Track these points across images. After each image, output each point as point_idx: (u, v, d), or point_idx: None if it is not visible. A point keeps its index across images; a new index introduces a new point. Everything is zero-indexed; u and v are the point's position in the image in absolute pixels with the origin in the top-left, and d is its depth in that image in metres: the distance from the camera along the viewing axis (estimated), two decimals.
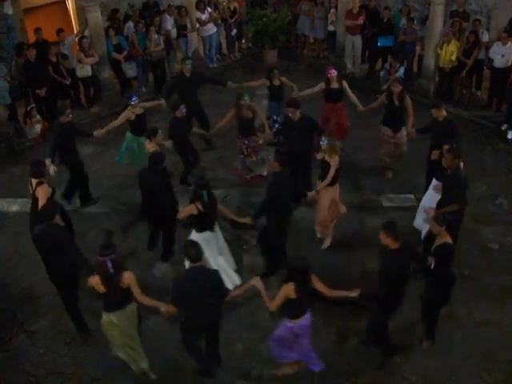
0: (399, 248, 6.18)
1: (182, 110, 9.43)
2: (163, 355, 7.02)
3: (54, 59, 11.91)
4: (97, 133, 9.65)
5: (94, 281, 6.04)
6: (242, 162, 10.25)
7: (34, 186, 7.66)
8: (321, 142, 8.28)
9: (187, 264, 6.66)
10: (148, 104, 10.62)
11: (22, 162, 10.87)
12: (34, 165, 7.81)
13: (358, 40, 13.98)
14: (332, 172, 8.16)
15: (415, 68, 13.77)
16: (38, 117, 11.49)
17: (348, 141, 11.07)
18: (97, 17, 12.45)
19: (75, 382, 6.84)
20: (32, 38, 12.72)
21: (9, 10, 12.92)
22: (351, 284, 6.92)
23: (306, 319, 6.16)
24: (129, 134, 9.93)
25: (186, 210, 7.54)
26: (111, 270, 5.92)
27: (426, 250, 7.21)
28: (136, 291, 6.12)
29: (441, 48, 12.18)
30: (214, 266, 7.38)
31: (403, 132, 9.92)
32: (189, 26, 14.03)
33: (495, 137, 11.63)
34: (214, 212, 7.64)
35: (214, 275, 6.23)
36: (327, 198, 8.38)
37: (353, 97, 10.42)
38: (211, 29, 14.55)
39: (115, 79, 13.53)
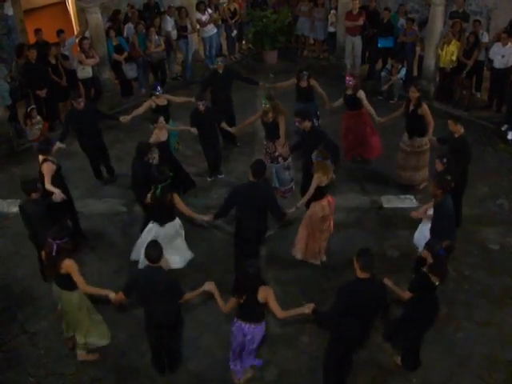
0: (368, 279, 5.77)
1: (200, 105, 9.63)
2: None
3: (53, 61, 11.92)
4: (123, 118, 10.21)
5: (42, 254, 6.53)
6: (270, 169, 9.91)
7: (40, 162, 8.28)
8: (312, 156, 7.91)
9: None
10: (177, 99, 10.88)
11: (22, 162, 10.89)
12: (41, 142, 8.61)
13: (358, 41, 13.98)
14: (310, 189, 7.85)
15: (415, 69, 13.77)
16: (39, 118, 11.48)
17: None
18: (97, 18, 12.45)
19: (76, 382, 6.83)
20: (32, 39, 12.73)
21: (9, 10, 12.94)
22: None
23: (242, 326, 6.17)
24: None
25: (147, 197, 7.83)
26: (54, 253, 6.20)
27: (416, 271, 7.18)
28: (77, 279, 6.31)
29: (441, 49, 12.19)
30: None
31: (420, 140, 9.62)
32: (189, 27, 14.03)
33: (496, 137, 11.62)
34: (163, 208, 7.71)
35: (170, 277, 6.28)
36: (314, 214, 8.06)
37: (370, 108, 10.09)
38: (211, 30, 14.56)
39: (115, 80, 13.54)
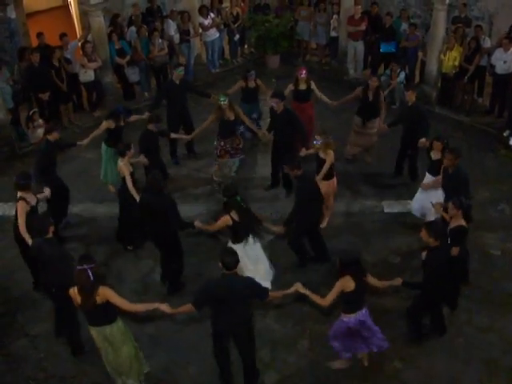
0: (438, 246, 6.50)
1: (157, 126, 9.51)
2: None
3: (56, 64, 11.94)
4: (79, 144, 9.77)
5: (73, 292, 5.94)
6: (217, 171, 10.22)
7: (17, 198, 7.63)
8: (314, 142, 8.58)
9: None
10: (134, 118, 10.49)
11: (24, 166, 10.89)
12: (19, 177, 7.71)
13: (360, 46, 14.00)
14: (327, 166, 8.54)
15: (417, 74, 13.78)
16: (41, 121, 11.51)
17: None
18: (100, 21, 12.47)
19: None
20: (35, 42, 12.76)
21: (12, 14, 12.96)
22: None
23: (362, 315, 6.30)
24: (104, 146, 9.83)
25: (222, 221, 7.52)
26: (92, 278, 5.78)
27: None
28: (118, 301, 5.93)
29: (444, 54, 12.19)
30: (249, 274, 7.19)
31: (374, 123, 10.45)
32: (191, 31, 14.05)
33: (497, 143, 11.61)
34: (249, 221, 7.60)
35: (249, 280, 6.24)
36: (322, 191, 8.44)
37: (321, 95, 10.78)
38: (214, 34, 14.56)
39: (118, 84, 13.56)
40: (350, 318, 6.28)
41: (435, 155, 8.52)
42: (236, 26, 15.08)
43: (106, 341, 6.16)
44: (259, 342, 7.16)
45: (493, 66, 12.00)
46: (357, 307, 6.28)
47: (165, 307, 6.21)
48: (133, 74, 13.37)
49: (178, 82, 10.71)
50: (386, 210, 9.77)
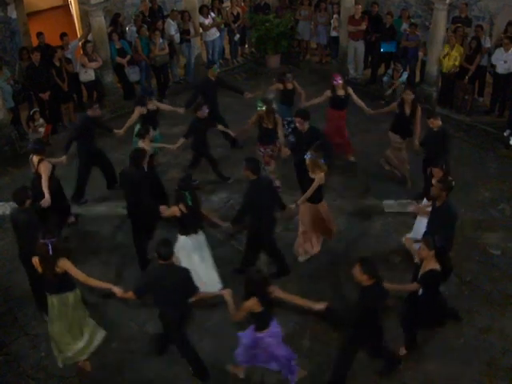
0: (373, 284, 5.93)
1: (205, 111, 9.62)
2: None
3: (57, 63, 11.94)
4: (116, 132, 10.19)
5: (35, 261, 6.43)
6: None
7: (35, 163, 8.35)
8: (305, 156, 7.95)
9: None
10: (165, 106, 10.89)
11: (24, 165, 10.86)
12: (36, 142, 8.67)
13: (360, 45, 13.99)
14: (311, 188, 7.90)
15: (418, 74, 13.78)
16: (41, 121, 11.50)
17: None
18: (100, 21, 12.48)
19: None
20: (35, 42, 12.77)
21: (13, 13, 12.99)
22: (353, 290, 6.92)
23: (270, 331, 6.20)
24: (135, 139, 10.00)
25: (170, 210, 7.62)
26: (50, 252, 6.22)
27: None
28: (75, 272, 6.40)
29: (444, 56, 12.17)
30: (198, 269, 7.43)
31: (402, 141, 9.96)
32: (192, 30, 14.05)
33: (497, 143, 11.61)
34: (197, 215, 7.63)
35: (184, 272, 6.37)
36: (307, 214, 8.21)
37: (359, 101, 10.39)
38: (214, 34, 14.57)
39: (118, 83, 13.56)
40: (259, 335, 6.21)
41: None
42: (236, 25, 15.09)
43: (65, 305, 6.58)
44: None
45: (493, 66, 12.01)
46: (266, 325, 6.19)
47: (116, 290, 6.47)
48: (133, 74, 13.37)
49: (213, 79, 10.93)
50: (386, 210, 9.77)
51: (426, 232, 7.31)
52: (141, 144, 8.93)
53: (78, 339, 6.75)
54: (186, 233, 7.62)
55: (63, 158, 9.19)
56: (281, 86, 10.86)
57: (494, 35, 13.26)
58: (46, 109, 12.00)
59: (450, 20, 13.17)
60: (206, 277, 7.56)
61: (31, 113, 11.46)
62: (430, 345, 7.18)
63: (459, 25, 12.50)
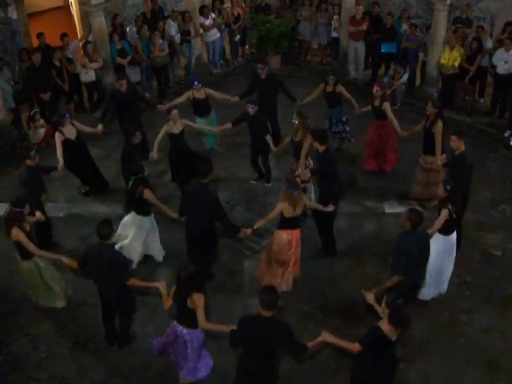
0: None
1: (249, 108, 9.64)
2: None
3: (57, 63, 11.94)
4: (160, 107, 10.69)
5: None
6: None
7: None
8: (284, 186, 7.66)
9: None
10: (218, 94, 11.11)
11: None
12: (56, 116, 9.95)
13: (361, 46, 13.99)
14: (271, 214, 7.60)
15: (418, 74, 13.77)
16: (42, 121, 11.51)
17: (351, 146, 11.13)
18: (101, 22, 12.50)
19: None
20: (36, 43, 12.77)
21: (13, 14, 12.99)
22: (353, 291, 6.92)
23: (176, 327, 6.28)
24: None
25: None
26: (4, 216, 7.13)
27: None
28: (25, 243, 7.00)
29: (444, 54, 12.16)
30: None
31: (431, 158, 9.34)
32: (192, 31, 14.06)
33: (498, 143, 11.60)
34: (134, 201, 8.01)
35: (118, 257, 6.68)
36: (272, 240, 7.86)
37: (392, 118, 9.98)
38: (215, 34, 14.57)
39: None
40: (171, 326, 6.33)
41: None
42: (237, 26, 15.09)
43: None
44: None
45: (494, 67, 12.00)
46: (176, 317, 6.32)
47: (64, 259, 7.02)
48: (134, 74, 13.37)
49: (263, 77, 10.95)
50: (387, 211, 9.77)
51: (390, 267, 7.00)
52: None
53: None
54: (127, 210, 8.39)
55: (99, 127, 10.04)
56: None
57: (495, 36, 13.25)
58: (46, 109, 12.00)
59: (450, 21, 13.16)
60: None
61: (31, 113, 11.47)
62: (431, 345, 7.18)
63: (459, 25, 12.49)
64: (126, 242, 8.26)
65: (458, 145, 8.19)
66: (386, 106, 9.95)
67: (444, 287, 7.78)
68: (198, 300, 5.91)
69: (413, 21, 13.85)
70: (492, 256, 8.70)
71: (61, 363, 7.12)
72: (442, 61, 12.20)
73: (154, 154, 9.50)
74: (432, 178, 9.50)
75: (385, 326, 5.40)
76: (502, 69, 11.72)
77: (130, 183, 7.95)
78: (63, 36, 12.45)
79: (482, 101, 13.05)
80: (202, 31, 14.42)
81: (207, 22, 14.27)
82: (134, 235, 8.26)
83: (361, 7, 13.67)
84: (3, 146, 11.44)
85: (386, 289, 6.50)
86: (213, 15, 14.43)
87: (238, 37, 15.30)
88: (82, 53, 12.45)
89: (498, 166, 10.93)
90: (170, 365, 6.94)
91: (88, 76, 12.43)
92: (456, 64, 12.07)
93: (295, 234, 7.70)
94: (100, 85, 12.83)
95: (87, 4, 12.27)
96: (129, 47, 13.13)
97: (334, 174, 8.33)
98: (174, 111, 9.50)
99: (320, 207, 8.04)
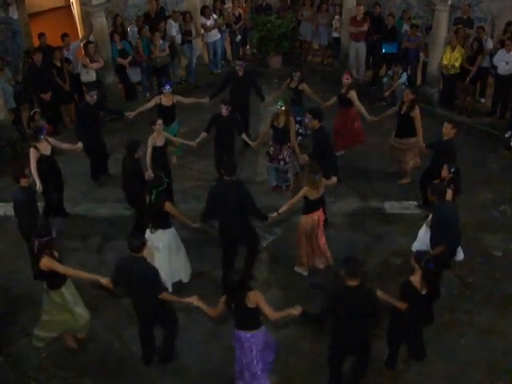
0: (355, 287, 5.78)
1: (224, 109, 9.60)
2: None
3: (58, 64, 11.95)
4: (128, 114, 10.50)
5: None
6: (268, 168, 10.23)
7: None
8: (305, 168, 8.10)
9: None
10: (186, 100, 10.92)
11: (26, 166, 10.88)
12: (34, 129, 9.43)
13: (361, 46, 13.98)
14: (294, 199, 7.94)
15: (419, 75, 13.77)
16: (42, 121, 11.49)
17: (353, 147, 11.13)
18: (102, 22, 12.51)
19: None
20: (37, 43, 12.77)
21: (14, 14, 12.99)
22: None
23: (239, 335, 6.18)
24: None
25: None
26: (35, 251, 6.55)
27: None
28: (57, 267, 6.54)
29: (445, 55, 12.16)
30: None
31: (408, 140, 9.88)
32: (193, 31, 14.06)
33: (499, 144, 11.59)
34: (157, 214, 7.65)
35: (150, 270, 6.39)
36: (302, 226, 8.05)
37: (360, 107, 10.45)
38: (216, 35, 14.57)
39: (119, 84, 13.56)
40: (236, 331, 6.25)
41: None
42: (238, 26, 15.09)
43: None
44: None
45: (495, 67, 11.99)
46: (236, 325, 6.20)
47: (104, 280, 6.54)
48: (134, 75, 13.38)
49: (240, 74, 11.02)
50: (388, 211, 9.76)
51: (430, 239, 7.26)
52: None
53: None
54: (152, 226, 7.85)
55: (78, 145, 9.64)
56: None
57: (496, 36, 13.24)
58: (46, 109, 12.00)
59: (451, 21, 13.15)
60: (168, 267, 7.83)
61: (31, 113, 11.46)
62: (431, 346, 7.15)
63: (461, 26, 12.48)
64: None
65: (448, 132, 8.70)
66: (352, 94, 10.34)
67: (461, 255, 7.81)
68: (256, 296, 5.93)
69: (414, 21, 13.84)
70: (492, 257, 8.70)
71: (61, 363, 7.11)
72: (444, 61, 12.21)
73: (150, 173, 8.89)
74: (404, 154, 10.10)
75: (414, 279, 6.03)
76: (502, 69, 11.71)
77: (153, 197, 7.47)
78: (64, 36, 12.44)
79: (482, 101, 13.04)
80: (203, 32, 14.42)
81: (208, 23, 14.27)
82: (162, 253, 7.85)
83: (361, 8, 13.68)
84: (4, 146, 11.44)
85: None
86: (214, 16, 14.43)
87: (239, 37, 15.30)
88: (83, 53, 12.46)
89: (498, 167, 10.93)
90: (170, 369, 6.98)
91: (89, 76, 12.42)
92: (457, 64, 12.06)
93: (321, 214, 8.07)
94: (101, 85, 12.81)
95: (88, 4, 12.28)
96: (130, 47, 13.13)
97: (330, 149, 9.10)
98: (159, 121, 9.18)
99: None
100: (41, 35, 12.30)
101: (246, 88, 11.18)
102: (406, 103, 9.67)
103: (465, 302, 7.82)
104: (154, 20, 13.75)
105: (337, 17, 14.61)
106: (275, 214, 8.00)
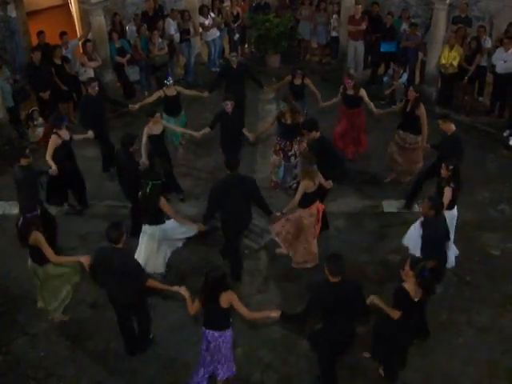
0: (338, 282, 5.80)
1: (228, 105, 9.58)
2: None
3: (58, 62, 11.93)
4: (131, 107, 10.71)
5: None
6: (270, 164, 10.24)
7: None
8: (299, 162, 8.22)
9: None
10: (188, 91, 11.21)
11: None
12: (53, 118, 9.56)
13: (360, 45, 13.98)
14: (297, 196, 7.85)
15: (418, 74, 13.77)
16: (41, 120, 11.49)
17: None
18: (100, 20, 12.50)
19: None
20: (35, 41, 12.75)
21: (12, 13, 12.95)
22: None
23: (207, 334, 6.14)
24: (164, 115, 10.47)
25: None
26: (19, 225, 6.89)
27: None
28: (44, 248, 6.70)
29: (444, 54, 12.17)
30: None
31: (412, 137, 9.84)
32: (192, 30, 14.05)
33: (497, 143, 11.60)
34: (151, 208, 7.64)
35: (130, 260, 6.46)
36: (298, 219, 8.07)
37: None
38: (214, 33, 14.57)
39: (117, 83, 13.54)
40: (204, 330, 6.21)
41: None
42: (236, 25, 15.08)
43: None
44: (258, 342, 7.21)
45: (493, 66, 11.99)
46: (205, 324, 6.17)
47: (83, 259, 6.71)
48: (133, 73, 13.37)
49: (235, 67, 11.11)
50: (386, 210, 9.77)
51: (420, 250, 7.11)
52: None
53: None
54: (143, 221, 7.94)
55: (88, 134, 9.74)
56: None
57: (495, 36, 13.25)
58: (45, 108, 11.99)
59: (450, 20, 13.15)
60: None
61: (29, 111, 11.46)
62: (430, 345, 7.18)
63: (461, 25, 12.49)
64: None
65: (447, 127, 8.71)
66: (362, 91, 10.36)
67: (452, 260, 7.78)
68: (230, 297, 5.91)
69: (412, 20, 13.84)
70: (491, 256, 8.71)
71: (60, 362, 7.12)
72: (442, 60, 12.21)
73: (144, 161, 8.97)
74: (408, 156, 10.00)
75: (407, 286, 5.96)
76: (500, 68, 11.71)
77: (149, 188, 7.50)
78: (62, 34, 12.42)
79: (481, 99, 13.04)
80: (201, 30, 14.41)
81: (207, 22, 14.26)
82: (145, 247, 7.92)
83: (360, 6, 13.67)
84: (2, 144, 11.42)
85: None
86: (212, 14, 14.42)
87: (238, 36, 15.30)
88: (82, 51, 12.44)
89: (497, 166, 10.94)
90: (167, 366, 6.99)
91: (87, 74, 12.37)
92: (455, 64, 12.06)
93: (319, 206, 8.14)
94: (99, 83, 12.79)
95: (86, 2, 12.27)
96: (128, 46, 13.11)
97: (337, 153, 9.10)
98: (158, 114, 9.34)
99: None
100: (40, 33, 12.27)
101: (241, 79, 11.31)
102: (410, 102, 9.66)
103: (463, 301, 7.83)
104: (152, 18, 13.72)
105: (335, 16, 14.61)
106: (279, 214, 8.05)
